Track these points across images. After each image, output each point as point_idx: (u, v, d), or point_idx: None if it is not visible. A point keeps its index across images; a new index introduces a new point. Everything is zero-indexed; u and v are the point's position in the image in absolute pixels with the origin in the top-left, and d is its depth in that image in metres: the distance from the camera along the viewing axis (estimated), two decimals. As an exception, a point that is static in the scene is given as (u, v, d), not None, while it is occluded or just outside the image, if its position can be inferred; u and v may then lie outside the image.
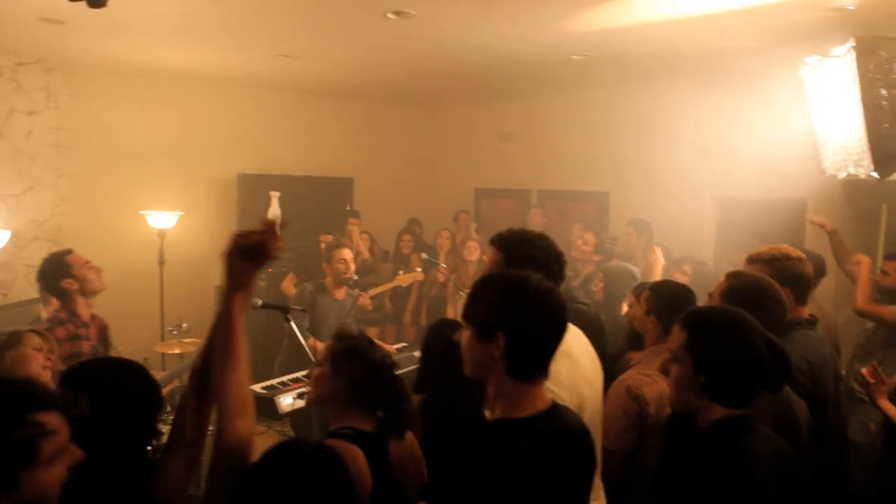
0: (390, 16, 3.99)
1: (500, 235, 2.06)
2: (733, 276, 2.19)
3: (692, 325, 1.64)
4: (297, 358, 3.86)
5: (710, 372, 1.58)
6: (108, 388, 1.58)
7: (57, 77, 5.83)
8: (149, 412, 1.66)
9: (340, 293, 4.50)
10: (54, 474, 1.24)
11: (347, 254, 4.47)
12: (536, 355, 1.48)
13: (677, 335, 1.65)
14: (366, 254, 6.25)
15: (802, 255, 2.46)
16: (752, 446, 1.56)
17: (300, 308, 3.77)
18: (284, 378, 3.66)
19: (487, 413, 1.57)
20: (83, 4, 2.98)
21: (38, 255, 5.72)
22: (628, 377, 2.24)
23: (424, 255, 5.52)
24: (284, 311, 3.08)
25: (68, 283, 3.30)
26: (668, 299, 2.38)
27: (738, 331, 1.60)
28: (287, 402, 3.28)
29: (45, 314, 4.31)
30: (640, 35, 4.33)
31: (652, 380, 2.16)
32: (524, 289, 1.49)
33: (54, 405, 1.36)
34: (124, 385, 1.61)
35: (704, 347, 1.59)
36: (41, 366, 2.25)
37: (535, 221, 6.53)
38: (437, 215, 7.31)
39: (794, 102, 4.43)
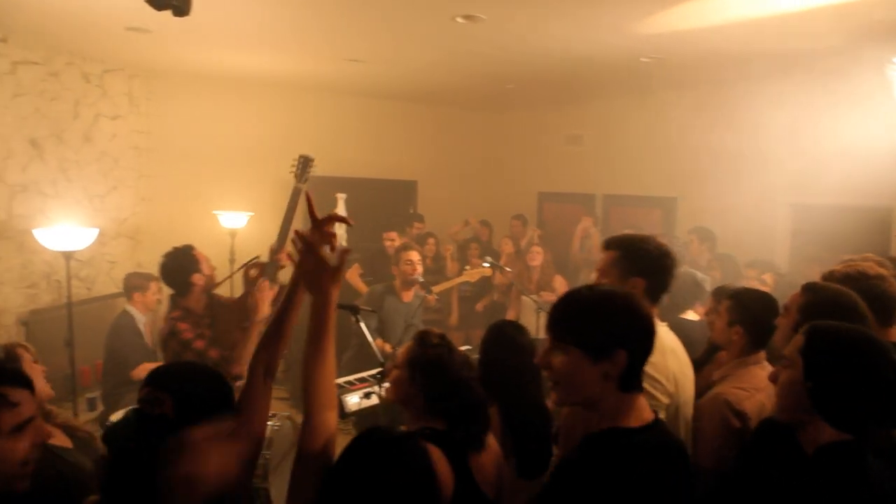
0: (459, 20, 4.02)
1: (615, 237, 2.12)
2: (810, 291, 2.02)
3: (813, 332, 1.53)
4: (364, 357, 3.92)
5: (819, 377, 1.46)
6: (191, 392, 1.61)
7: (139, 83, 6.11)
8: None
9: (408, 295, 4.54)
10: (15, 446, 1.28)
11: (415, 255, 4.51)
12: (643, 366, 1.49)
13: (796, 340, 1.55)
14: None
15: (883, 272, 2.24)
16: (870, 484, 1.39)
17: (370, 309, 3.82)
18: (351, 377, 3.71)
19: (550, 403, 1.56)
20: (169, 13, 3.14)
21: (119, 251, 6.04)
22: (726, 391, 2.11)
23: (489, 259, 5.51)
24: (355, 311, 3.12)
25: (197, 278, 3.28)
26: (754, 310, 2.24)
27: (859, 344, 1.46)
28: (353, 401, 3.32)
29: (132, 308, 4.55)
30: (714, 36, 4.21)
31: (749, 394, 2.06)
32: (634, 304, 1.47)
33: (25, 384, 1.44)
34: (206, 390, 1.65)
35: (818, 352, 1.48)
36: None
37: (585, 228, 6.53)
38: (500, 219, 7.29)
39: (880, 104, 4.23)
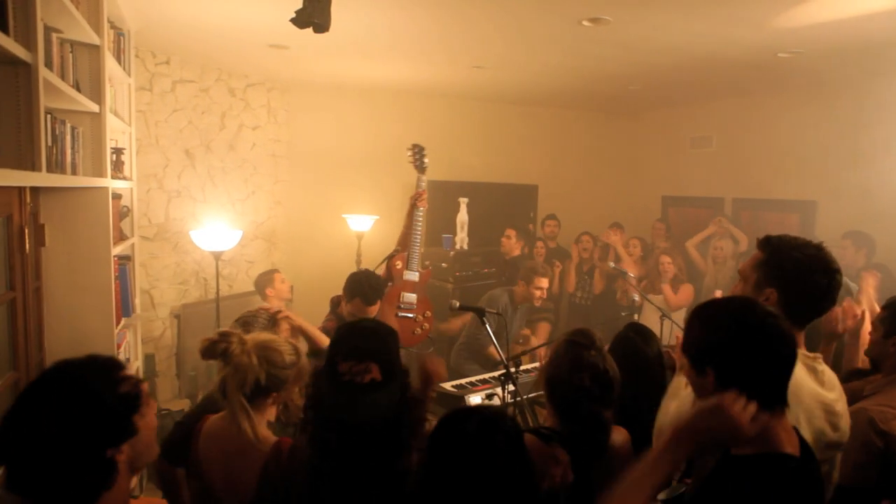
0: (585, 23, 4.00)
1: (769, 237, 1.87)
2: None
3: None
4: (477, 356, 4.08)
5: None
6: (389, 350, 1.81)
7: (276, 95, 6.54)
8: None
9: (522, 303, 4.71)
10: (152, 418, 1.40)
11: (545, 283, 4.61)
12: (760, 392, 1.34)
13: None
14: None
15: None
16: None
17: (495, 311, 3.89)
18: (473, 378, 3.80)
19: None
20: (308, 30, 3.36)
21: (255, 252, 6.49)
22: (870, 408, 1.99)
23: (612, 264, 5.43)
24: (481, 313, 3.19)
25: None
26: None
27: None
28: (475, 401, 3.39)
29: (269, 304, 4.90)
30: (858, 26, 3.92)
31: None
32: (738, 321, 1.39)
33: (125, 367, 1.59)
34: (397, 349, 1.87)
35: None
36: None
37: (658, 234, 6.33)
38: (627, 224, 7.13)
39: None
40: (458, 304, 3.30)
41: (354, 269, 6.41)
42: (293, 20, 3.31)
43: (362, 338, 1.81)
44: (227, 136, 6.19)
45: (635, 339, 2.41)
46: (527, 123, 7.82)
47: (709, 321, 1.43)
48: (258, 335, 2.12)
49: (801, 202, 6.06)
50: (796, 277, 1.72)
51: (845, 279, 3.78)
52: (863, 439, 1.89)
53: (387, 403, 1.71)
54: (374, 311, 3.61)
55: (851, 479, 1.86)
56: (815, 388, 1.68)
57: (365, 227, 6.46)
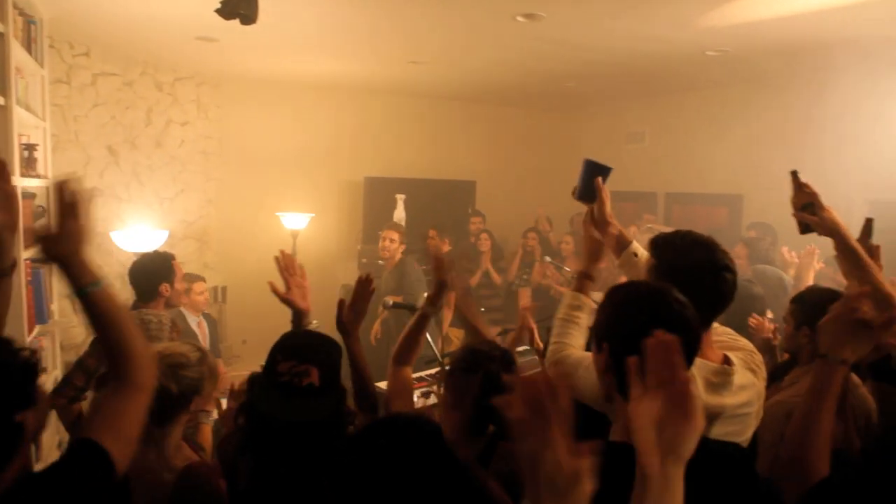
0: (520, 19, 4.00)
1: (655, 241, 1.86)
2: None
3: None
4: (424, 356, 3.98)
5: None
6: (332, 361, 1.74)
7: (207, 90, 6.31)
8: None
9: None
10: (44, 392, 1.38)
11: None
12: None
13: None
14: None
15: None
16: None
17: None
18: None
19: None
20: (236, 22, 3.24)
21: (186, 253, 6.25)
22: (787, 400, 2.04)
23: (548, 259, 5.47)
24: (413, 310, 3.14)
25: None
26: (817, 307, 2.06)
27: None
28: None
29: (184, 309, 4.68)
30: (783, 26, 4.06)
31: None
32: (636, 300, 1.38)
33: None
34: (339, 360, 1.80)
35: None
36: None
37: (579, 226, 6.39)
38: (559, 219, 7.22)
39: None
40: (391, 302, 3.25)
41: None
42: (218, 10, 3.19)
43: (306, 342, 1.77)
44: (153, 133, 5.94)
45: None
46: (464, 119, 7.81)
47: (616, 297, 1.42)
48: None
49: (729, 196, 6.26)
50: (682, 279, 1.62)
51: (780, 272, 3.91)
52: (780, 430, 1.88)
53: (321, 411, 1.65)
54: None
55: (768, 471, 1.86)
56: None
57: (300, 226, 6.32)
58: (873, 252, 2.09)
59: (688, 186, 6.68)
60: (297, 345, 1.74)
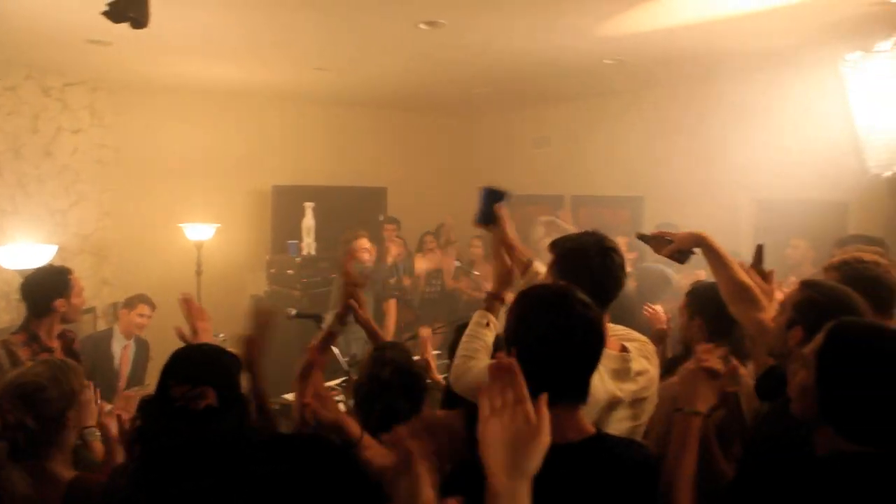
0: (422, 26, 4.03)
1: (554, 241, 2.01)
2: (808, 287, 1.91)
3: (834, 332, 1.38)
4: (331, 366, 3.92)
5: (829, 388, 1.34)
6: (230, 377, 1.68)
7: (101, 96, 6.00)
8: None
9: None
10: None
11: (365, 243, 4.54)
12: (553, 377, 1.35)
13: (817, 339, 1.41)
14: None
15: (882, 261, 2.19)
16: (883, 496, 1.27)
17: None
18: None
19: None
20: (127, 26, 3.10)
21: (81, 268, 5.90)
22: (672, 383, 2.16)
23: (458, 264, 5.53)
24: (318, 319, 3.09)
25: (60, 304, 3.00)
26: (708, 299, 2.25)
27: (881, 355, 1.31)
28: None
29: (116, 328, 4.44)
30: (672, 38, 4.28)
31: None
32: (540, 304, 1.43)
33: None
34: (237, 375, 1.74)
35: (834, 359, 1.35)
36: None
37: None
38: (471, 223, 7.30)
39: (836, 100, 4.34)
40: (294, 312, 3.18)
41: (194, 281, 6.08)
42: (106, 13, 3.04)
43: (200, 360, 1.69)
44: (41, 141, 5.59)
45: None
46: (374, 125, 7.78)
47: (522, 302, 1.47)
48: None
49: (631, 198, 6.53)
50: (574, 263, 1.86)
51: (664, 268, 4.11)
52: (666, 412, 1.97)
53: (223, 433, 1.59)
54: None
55: (655, 451, 1.98)
56: (601, 385, 1.75)
57: (205, 236, 6.11)
58: (767, 276, 2.23)
59: (593, 189, 6.92)
60: (191, 365, 1.66)
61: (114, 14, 2.99)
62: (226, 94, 6.62)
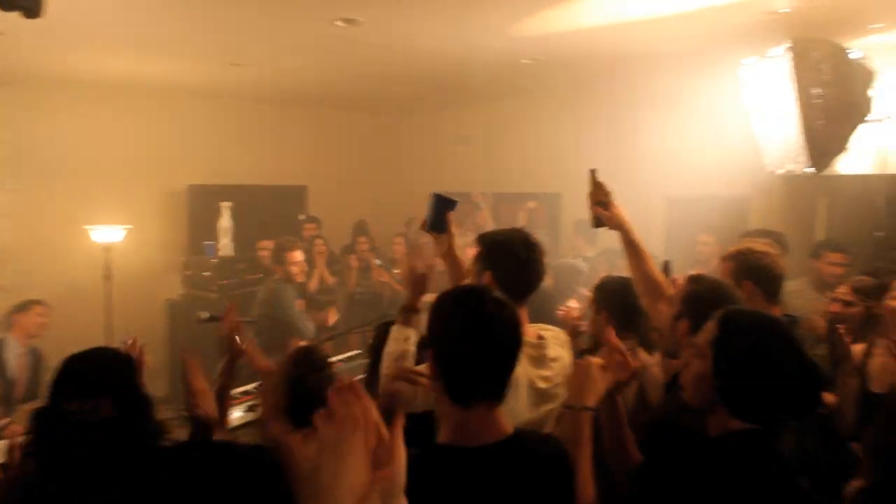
0: (338, 23, 3.98)
1: (481, 234, 2.10)
2: (693, 281, 2.08)
3: (725, 322, 1.48)
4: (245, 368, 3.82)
5: (727, 375, 1.43)
6: (126, 381, 1.63)
7: (-5, 90, 5.62)
8: None
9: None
10: None
11: (298, 256, 4.40)
12: (472, 380, 1.37)
13: (708, 329, 1.50)
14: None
15: (772, 251, 2.39)
16: (763, 467, 1.40)
17: (248, 319, 3.65)
18: (233, 391, 3.58)
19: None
20: (19, 15, 2.91)
21: (-23, 274, 5.53)
22: None
23: (378, 262, 5.50)
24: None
25: None
26: (617, 293, 2.38)
27: (770, 341, 1.43)
28: (236, 415, 3.21)
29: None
30: (586, 39, 4.41)
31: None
32: (459, 308, 1.43)
33: None
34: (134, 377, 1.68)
35: (728, 348, 1.44)
36: None
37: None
38: (393, 221, 7.29)
39: (736, 102, 4.58)
40: (206, 316, 3.08)
41: (102, 285, 5.79)
42: (-5, 2, 2.84)
43: (93, 368, 1.62)
44: (-75, 138, 5.18)
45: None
46: (293, 124, 7.63)
47: (438, 305, 1.47)
48: None
49: (549, 195, 6.69)
50: (501, 255, 1.96)
51: (576, 262, 4.24)
52: None
53: (124, 440, 1.53)
54: None
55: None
56: (521, 371, 1.81)
57: (114, 239, 5.83)
58: (675, 284, 2.33)
59: (512, 186, 7.03)
60: (83, 377, 1.58)
61: (2, 2, 2.81)
62: (136, 88, 6.33)
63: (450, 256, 2.26)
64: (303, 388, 1.81)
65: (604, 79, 5.89)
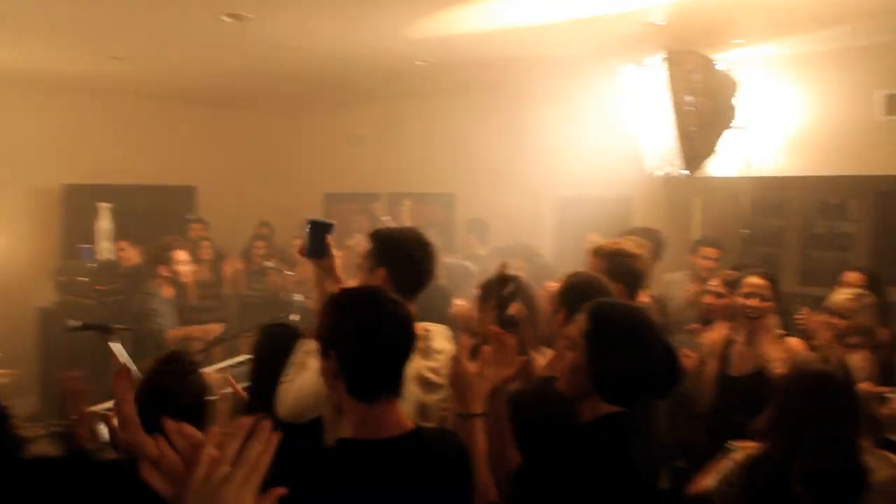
0: (224, 18, 3.85)
1: (376, 230, 2.14)
2: (571, 276, 2.26)
3: (595, 315, 1.58)
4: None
5: (600, 364, 1.53)
6: None
7: None
8: None
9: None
10: None
11: (183, 255, 4.18)
12: (375, 376, 1.43)
13: (580, 321, 1.59)
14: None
15: (637, 251, 2.60)
16: (634, 444, 1.53)
17: (124, 327, 3.43)
18: (99, 407, 3.34)
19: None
20: None
21: None
22: None
23: (270, 264, 5.36)
24: (105, 330, 2.82)
25: None
26: (582, 293, 2.42)
27: (637, 330, 1.56)
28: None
29: None
30: (477, 43, 4.50)
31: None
32: (358, 306, 1.47)
33: None
34: None
35: (600, 339, 1.54)
36: None
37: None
38: (288, 223, 7.12)
39: (619, 107, 4.81)
40: (77, 324, 2.89)
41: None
42: None
43: None
44: None
45: (275, 329, 2.42)
46: (180, 121, 7.28)
47: (336, 307, 1.50)
48: None
49: (443, 195, 6.78)
50: (397, 255, 2.01)
51: (465, 262, 4.34)
52: None
53: None
54: None
55: None
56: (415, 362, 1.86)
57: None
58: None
59: (408, 186, 7.06)
60: None
61: None
62: (5, 80, 5.83)
63: (333, 279, 2.24)
64: (165, 395, 1.74)
65: (496, 81, 6.04)
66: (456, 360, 1.61)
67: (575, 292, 2.08)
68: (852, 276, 3.50)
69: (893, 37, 4.28)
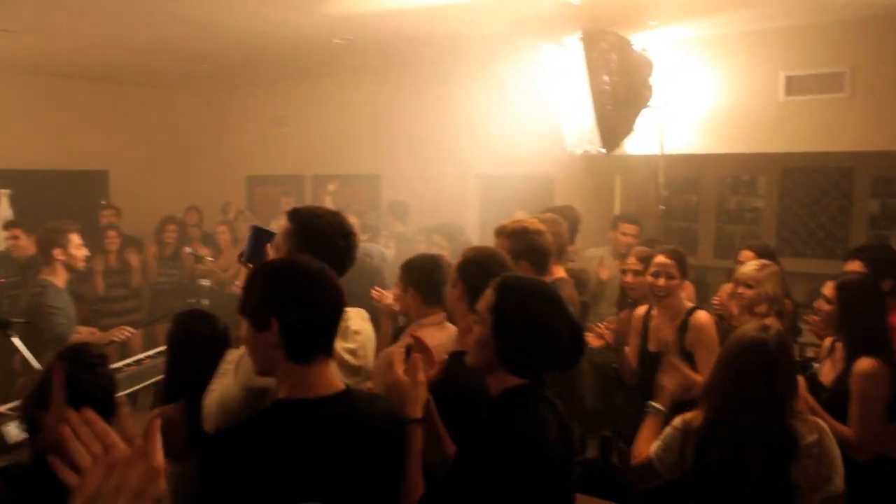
0: (127, -10, 3.65)
1: (296, 209, 2.07)
2: (470, 251, 2.26)
3: (502, 290, 1.62)
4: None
5: (506, 338, 1.57)
6: None
7: None
8: None
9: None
10: None
11: (77, 239, 3.79)
12: (313, 337, 1.48)
13: (487, 296, 1.63)
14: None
15: (541, 228, 2.68)
16: (543, 415, 1.57)
17: (23, 320, 3.20)
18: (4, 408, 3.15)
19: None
20: None
21: None
22: (393, 350, 2.26)
23: (188, 250, 5.18)
24: (4, 325, 2.64)
25: None
26: (417, 270, 2.46)
27: (543, 305, 1.60)
28: (15, 431, 2.83)
29: None
30: (396, 20, 4.43)
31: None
32: (292, 273, 1.51)
33: None
34: None
35: (507, 314, 1.58)
36: None
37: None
38: (208, 207, 6.87)
39: (541, 86, 4.85)
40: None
41: None
42: None
43: None
44: None
45: (189, 317, 2.34)
46: (87, 101, 6.88)
47: (269, 277, 1.52)
48: None
49: (369, 175, 6.70)
50: (321, 243, 1.93)
51: (385, 250, 4.32)
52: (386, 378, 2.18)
53: None
54: None
55: None
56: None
57: None
58: None
59: (332, 168, 6.93)
60: None
61: None
62: None
63: None
64: (74, 389, 1.64)
65: (417, 60, 5.97)
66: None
67: (471, 266, 2.11)
68: (746, 254, 3.66)
69: (795, 21, 4.47)
